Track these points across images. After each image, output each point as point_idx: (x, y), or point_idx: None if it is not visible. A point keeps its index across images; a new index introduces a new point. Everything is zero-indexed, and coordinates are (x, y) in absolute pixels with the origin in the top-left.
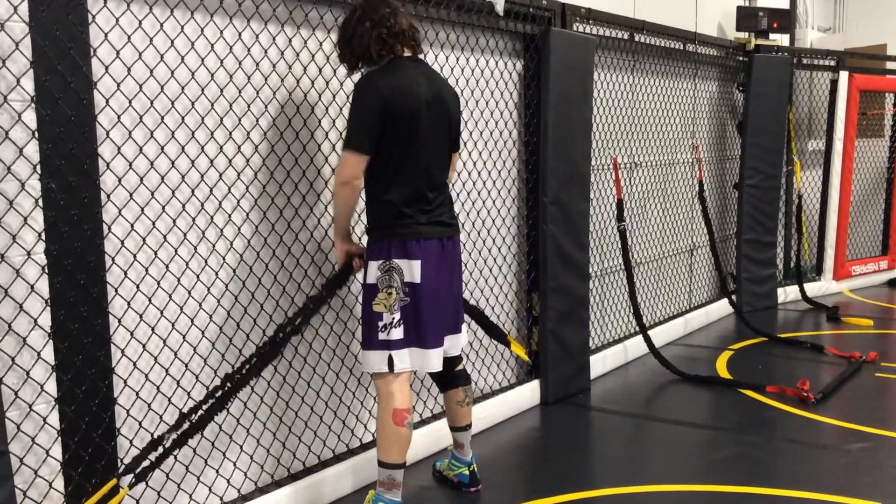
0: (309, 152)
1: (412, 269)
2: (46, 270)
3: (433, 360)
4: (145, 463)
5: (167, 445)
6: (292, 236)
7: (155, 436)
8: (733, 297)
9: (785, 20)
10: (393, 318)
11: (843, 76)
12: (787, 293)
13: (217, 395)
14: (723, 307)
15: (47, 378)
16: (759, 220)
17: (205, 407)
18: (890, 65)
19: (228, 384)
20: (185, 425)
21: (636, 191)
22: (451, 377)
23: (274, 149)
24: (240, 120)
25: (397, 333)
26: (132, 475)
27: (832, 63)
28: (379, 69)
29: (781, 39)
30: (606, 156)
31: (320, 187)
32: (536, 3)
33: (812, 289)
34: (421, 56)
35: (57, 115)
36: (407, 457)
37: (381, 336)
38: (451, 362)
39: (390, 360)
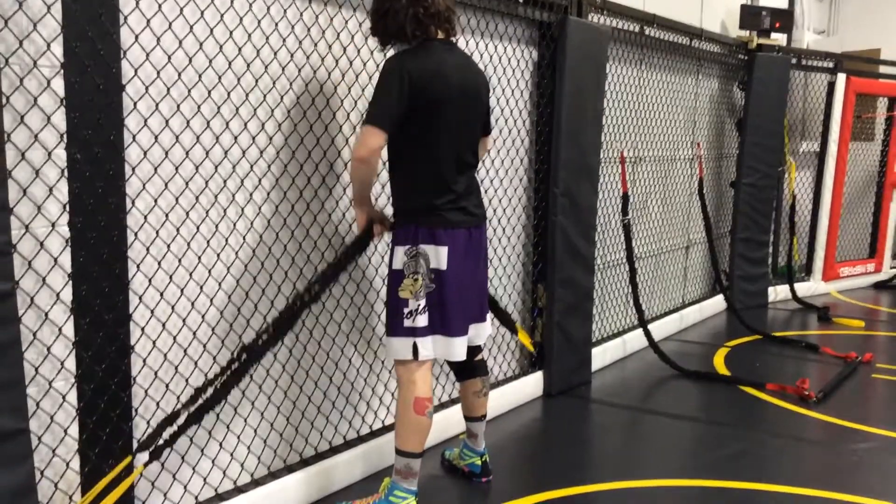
0: (330, 132)
1: (439, 256)
2: (70, 244)
3: (457, 348)
4: (160, 441)
5: (182, 422)
6: (311, 217)
7: (170, 412)
8: (729, 294)
9: (787, 20)
10: (419, 305)
11: (841, 78)
12: (777, 292)
13: (232, 367)
14: (716, 304)
15: (67, 354)
16: (754, 218)
17: (220, 381)
18: (883, 69)
19: (244, 355)
20: (200, 400)
21: (639, 185)
22: (470, 367)
23: (297, 128)
24: (265, 96)
25: (422, 320)
26: (147, 453)
27: (830, 65)
28: (410, 49)
29: (780, 40)
30: (613, 149)
31: (340, 168)
32: None
33: (801, 289)
34: (454, 40)
35: (85, 84)
36: None
37: (407, 323)
38: (471, 352)
39: (415, 348)
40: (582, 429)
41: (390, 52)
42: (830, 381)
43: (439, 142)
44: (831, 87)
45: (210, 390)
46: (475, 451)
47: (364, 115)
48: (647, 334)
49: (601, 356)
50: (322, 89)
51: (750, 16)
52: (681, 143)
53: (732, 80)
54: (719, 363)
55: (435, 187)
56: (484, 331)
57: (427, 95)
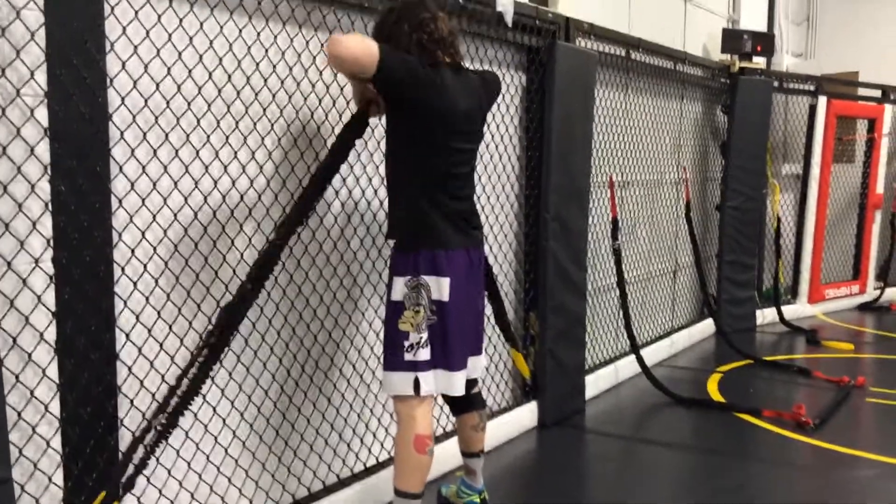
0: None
1: (441, 287)
2: (54, 280)
3: (458, 382)
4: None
5: (158, 430)
6: (302, 247)
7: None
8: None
9: (768, 44)
10: (420, 338)
11: (822, 101)
12: (765, 315)
13: (210, 341)
14: (705, 328)
15: (52, 397)
16: (739, 241)
17: (200, 356)
18: (861, 91)
19: (222, 324)
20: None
21: (626, 210)
22: (466, 400)
23: (287, 156)
24: (255, 124)
25: (424, 354)
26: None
27: (811, 88)
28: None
29: (760, 63)
30: (601, 173)
31: (331, 196)
32: (543, 15)
33: (787, 311)
34: (461, 63)
35: (70, 113)
36: None
37: (407, 357)
38: (468, 384)
39: (416, 383)
40: (578, 461)
41: None
42: (826, 407)
43: (442, 163)
44: (813, 109)
45: (190, 373)
46: (473, 488)
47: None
48: (641, 361)
49: (594, 384)
50: (313, 116)
51: (731, 39)
52: (667, 167)
53: (715, 103)
54: (713, 389)
55: (435, 208)
56: (480, 363)
57: (435, 115)
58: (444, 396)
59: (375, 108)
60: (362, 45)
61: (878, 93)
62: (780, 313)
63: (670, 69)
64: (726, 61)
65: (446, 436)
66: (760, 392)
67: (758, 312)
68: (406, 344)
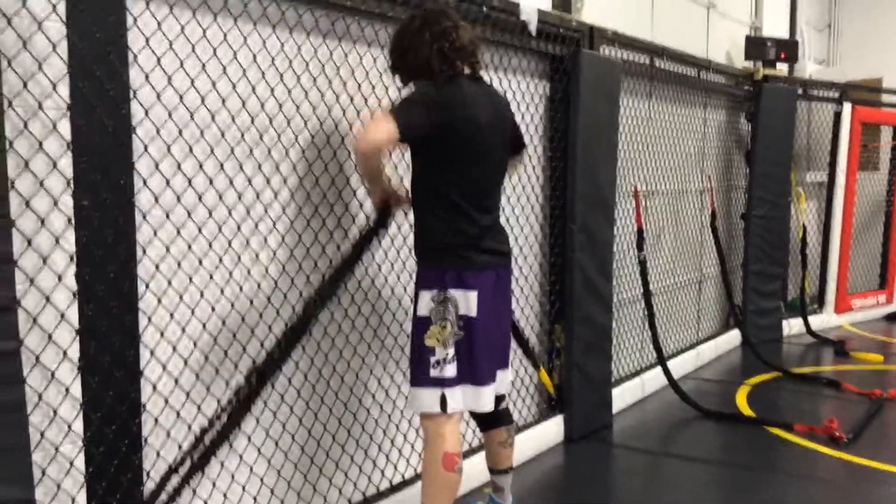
0: (346, 172)
1: (468, 301)
2: (77, 297)
3: (486, 398)
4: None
5: (189, 467)
6: (327, 260)
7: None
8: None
9: (792, 50)
10: (447, 354)
11: (847, 108)
12: (791, 326)
13: (244, 390)
14: (730, 339)
15: (75, 416)
16: (765, 250)
17: (229, 409)
18: (885, 97)
19: (255, 375)
20: (208, 439)
21: (651, 219)
22: (494, 416)
23: (311, 168)
24: (279, 136)
25: (451, 370)
26: None
27: (835, 95)
28: (440, 82)
29: (783, 70)
30: (625, 183)
31: (355, 209)
32: (566, 23)
33: (813, 322)
34: (481, 73)
35: (93, 126)
36: None
37: (434, 373)
38: (496, 400)
39: (443, 399)
40: (606, 476)
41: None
42: (859, 421)
43: (468, 178)
44: (837, 116)
45: (218, 423)
46: None
47: (387, 107)
48: (668, 374)
49: (620, 397)
50: (337, 128)
51: (755, 46)
52: (691, 176)
53: (739, 111)
54: (742, 402)
55: (462, 225)
56: (507, 377)
57: (458, 131)
58: (471, 412)
59: (396, 202)
60: (377, 132)
61: None
62: (806, 324)
63: (694, 77)
64: (750, 69)
65: (472, 451)
66: (790, 405)
67: (784, 323)
68: (432, 360)
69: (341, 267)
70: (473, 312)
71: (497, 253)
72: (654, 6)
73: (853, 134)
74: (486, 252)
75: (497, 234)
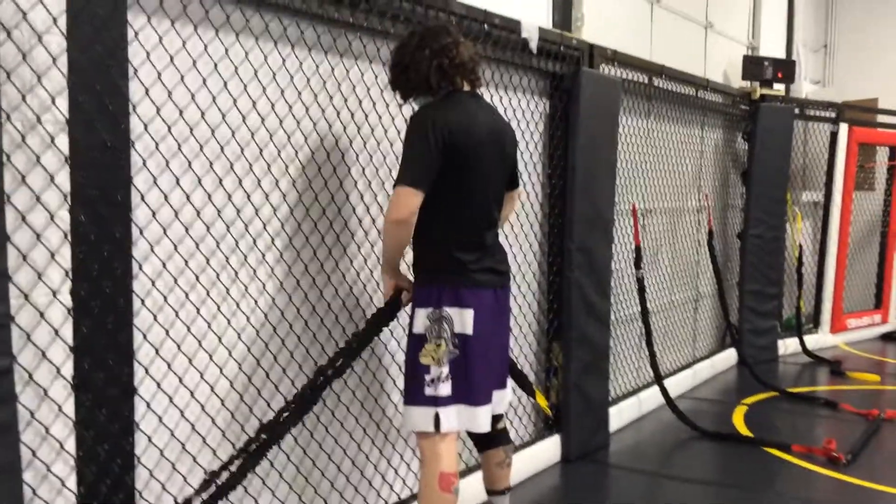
0: (346, 189)
1: (464, 319)
2: (72, 313)
3: (482, 418)
4: None
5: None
6: (325, 277)
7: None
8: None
9: (789, 70)
10: (441, 372)
11: (843, 128)
12: (787, 345)
13: (251, 448)
14: (727, 358)
15: (67, 435)
16: (762, 270)
17: (237, 463)
18: (881, 118)
19: (263, 435)
20: (214, 487)
21: (648, 238)
22: (491, 436)
23: (311, 184)
24: (279, 152)
25: (445, 389)
26: None
27: (832, 115)
28: (437, 102)
29: (780, 90)
30: (623, 201)
31: (354, 226)
32: (567, 41)
33: (808, 341)
34: (479, 91)
35: (92, 140)
36: None
37: (428, 391)
38: (493, 420)
39: (437, 419)
40: (603, 498)
41: (410, 106)
42: (857, 442)
43: (468, 196)
44: (834, 136)
45: (225, 475)
46: None
47: (397, 174)
48: (665, 394)
49: (617, 417)
50: (337, 144)
51: (752, 66)
52: (688, 195)
53: (736, 130)
54: (739, 422)
55: (462, 244)
56: (505, 398)
57: (457, 149)
58: (469, 431)
59: (408, 295)
60: (405, 204)
61: None
62: (802, 343)
63: (692, 96)
64: (747, 88)
65: (469, 470)
66: (788, 425)
67: (779, 342)
68: (427, 378)
69: (347, 351)
70: (469, 331)
71: (496, 272)
72: (653, 25)
73: (850, 154)
74: (484, 271)
75: (496, 254)
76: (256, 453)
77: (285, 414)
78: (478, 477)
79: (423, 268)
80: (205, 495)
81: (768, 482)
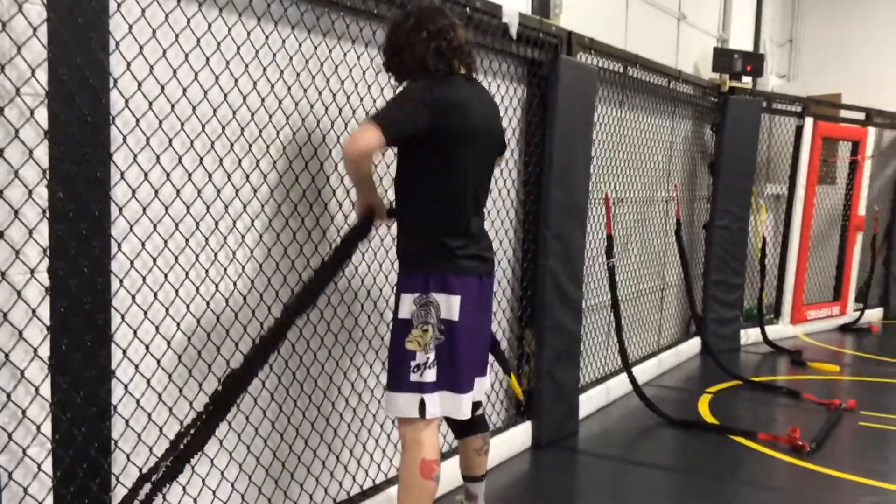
0: (326, 171)
1: (450, 305)
2: (49, 293)
3: (465, 405)
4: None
5: (161, 476)
6: (304, 261)
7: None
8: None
9: (758, 64)
10: (427, 358)
11: (808, 123)
12: (749, 335)
13: (217, 398)
14: (691, 347)
15: (44, 418)
16: (726, 261)
17: (204, 415)
18: (844, 113)
19: (229, 381)
20: (182, 445)
21: (619, 227)
22: (470, 423)
23: (292, 165)
24: (260, 131)
25: (430, 375)
26: None
27: (798, 109)
28: (436, 79)
29: (748, 83)
30: (595, 190)
31: (334, 209)
32: (546, 28)
33: (769, 331)
34: (475, 76)
35: (72, 115)
36: None
37: (413, 377)
38: (472, 407)
39: (422, 405)
40: (573, 484)
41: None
42: (820, 431)
43: (457, 180)
44: (799, 130)
45: (193, 430)
46: None
47: (373, 114)
48: (634, 382)
49: (587, 404)
50: (318, 125)
51: (723, 59)
52: (658, 185)
53: (704, 122)
54: (704, 410)
55: (449, 228)
56: (485, 385)
57: (450, 129)
58: (447, 418)
59: (380, 214)
60: (363, 138)
61: (861, 115)
62: (763, 333)
63: (663, 87)
64: (717, 80)
65: (442, 456)
66: (752, 414)
67: (741, 332)
68: (412, 364)
69: (320, 273)
70: (455, 317)
71: (482, 259)
72: (628, 15)
73: (814, 148)
74: (470, 258)
75: (482, 241)
76: (224, 400)
77: (250, 355)
78: (449, 463)
79: (409, 253)
80: (172, 456)
81: (734, 469)
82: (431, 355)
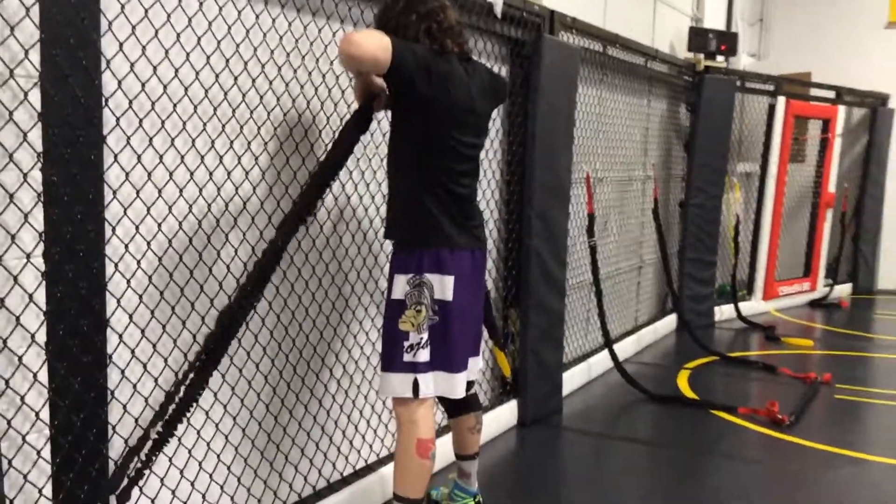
0: (316, 152)
1: (444, 286)
2: (45, 278)
3: (459, 385)
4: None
5: (155, 441)
6: (295, 244)
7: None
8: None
9: (732, 43)
10: (421, 339)
11: (781, 101)
12: (723, 311)
13: (210, 345)
14: (668, 324)
15: (42, 405)
16: (701, 239)
17: (200, 360)
18: (814, 92)
19: (224, 321)
20: (177, 399)
21: (599, 207)
22: (463, 402)
23: (283, 148)
24: (251, 114)
25: (424, 355)
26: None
27: (770, 88)
28: (433, 53)
29: (722, 62)
30: (576, 169)
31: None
32: (529, 7)
33: (742, 307)
34: (469, 54)
35: (65, 96)
36: None
37: (407, 357)
38: (466, 386)
39: (415, 385)
40: (559, 460)
41: None
42: (798, 404)
43: (452, 153)
44: (772, 109)
45: (191, 376)
46: (468, 491)
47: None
48: (615, 360)
49: (569, 381)
50: (309, 106)
51: (697, 38)
52: (635, 164)
53: (678, 101)
54: (684, 385)
55: (441, 205)
56: (477, 364)
57: (442, 103)
58: (440, 397)
59: (379, 102)
60: (378, 43)
61: (831, 93)
62: (737, 310)
63: (640, 66)
64: (692, 59)
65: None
66: (730, 388)
67: (715, 308)
68: (406, 344)
69: (321, 171)
70: (449, 297)
71: (475, 234)
72: None
73: (786, 126)
74: (463, 233)
75: (475, 217)
76: (219, 345)
77: (248, 289)
78: (441, 441)
79: (402, 230)
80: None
81: (715, 443)
82: (425, 335)
